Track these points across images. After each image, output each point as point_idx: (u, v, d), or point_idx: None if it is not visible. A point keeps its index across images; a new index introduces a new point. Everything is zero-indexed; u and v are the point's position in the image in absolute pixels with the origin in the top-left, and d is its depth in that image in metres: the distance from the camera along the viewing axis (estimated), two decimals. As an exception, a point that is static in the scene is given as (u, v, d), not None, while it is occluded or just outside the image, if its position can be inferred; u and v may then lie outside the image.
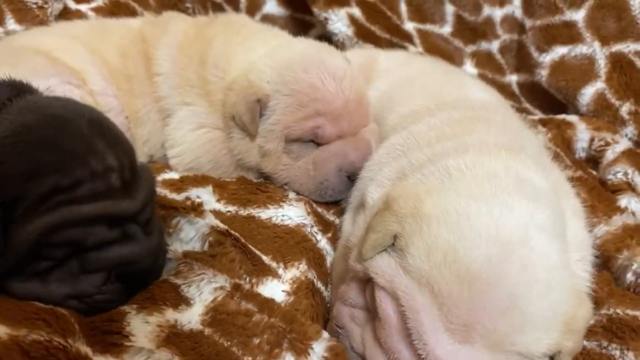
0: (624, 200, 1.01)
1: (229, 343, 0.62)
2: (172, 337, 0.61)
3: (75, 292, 0.60)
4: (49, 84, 0.86)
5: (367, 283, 0.65)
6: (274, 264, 0.78)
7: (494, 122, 0.82)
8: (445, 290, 0.57)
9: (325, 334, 0.66)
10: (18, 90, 0.65)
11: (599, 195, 0.95)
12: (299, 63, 0.89)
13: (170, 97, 0.97)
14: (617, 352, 0.65)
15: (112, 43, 0.98)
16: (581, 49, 1.37)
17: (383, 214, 0.63)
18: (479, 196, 0.62)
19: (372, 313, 0.63)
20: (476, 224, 0.59)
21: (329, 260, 0.84)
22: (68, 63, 0.92)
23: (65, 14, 1.19)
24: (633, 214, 0.99)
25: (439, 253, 0.58)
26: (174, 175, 0.90)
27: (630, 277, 0.74)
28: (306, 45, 0.95)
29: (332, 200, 0.92)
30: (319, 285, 0.79)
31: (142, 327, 0.61)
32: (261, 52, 0.93)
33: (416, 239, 0.59)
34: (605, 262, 0.78)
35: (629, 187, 1.05)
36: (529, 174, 0.68)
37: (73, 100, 0.67)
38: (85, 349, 0.56)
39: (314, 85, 0.87)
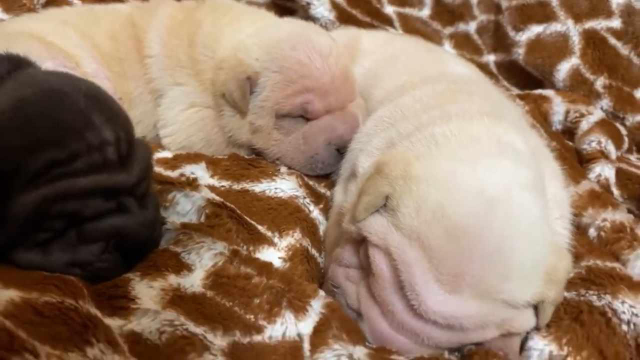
0: (597, 168, 1.06)
1: (230, 304, 0.65)
2: (176, 299, 0.64)
3: (75, 261, 0.62)
4: (44, 67, 0.88)
5: (360, 243, 0.69)
6: (269, 234, 0.81)
7: (476, 92, 0.86)
8: (434, 244, 0.61)
9: (322, 292, 0.70)
10: (17, 64, 0.66)
11: (570, 164, 1.00)
12: (287, 41, 0.92)
13: (161, 78, 0.99)
14: (595, 297, 0.69)
15: (103, 27, 1.00)
16: (556, 27, 1.41)
17: (374, 178, 0.67)
18: (464, 158, 0.67)
19: (366, 270, 0.67)
20: (462, 182, 0.63)
21: (321, 229, 0.87)
22: (61, 47, 0.93)
23: (52, 2, 1.20)
24: (607, 179, 1.05)
25: (428, 210, 0.62)
26: (167, 154, 0.93)
27: (592, 232, 0.79)
28: (293, 25, 0.99)
29: (322, 174, 0.96)
30: (313, 252, 0.82)
31: (146, 292, 0.64)
32: (249, 32, 0.95)
33: (406, 198, 0.63)
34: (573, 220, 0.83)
35: (603, 155, 1.10)
36: (510, 138, 0.72)
37: (70, 74, 0.68)
38: (95, 311, 0.58)
39: (301, 62, 0.90)
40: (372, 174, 0.69)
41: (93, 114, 0.62)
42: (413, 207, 0.62)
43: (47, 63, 0.86)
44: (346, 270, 0.71)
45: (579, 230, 0.82)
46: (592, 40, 1.39)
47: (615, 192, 1.04)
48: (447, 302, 0.60)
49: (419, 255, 0.61)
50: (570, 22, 1.41)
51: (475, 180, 0.63)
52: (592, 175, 1.07)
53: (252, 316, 0.64)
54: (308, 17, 1.44)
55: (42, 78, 0.65)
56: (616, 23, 1.40)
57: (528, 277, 0.62)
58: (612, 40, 1.38)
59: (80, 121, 0.60)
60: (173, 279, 0.66)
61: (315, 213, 0.88)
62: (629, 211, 0.99)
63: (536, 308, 0.66)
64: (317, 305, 0.67)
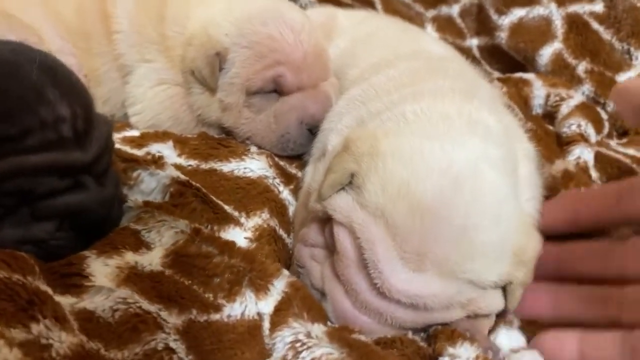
0: (577, 150, 1.05)
1: (189, 282, 0.63)
2: (132, 277, 0.62)
3: (28, 238, 0.60)
4: (4, 41, 0.85)
5: (326, 222, 0.67)
6: (236, 213, 0.79)
7: (450, 70, 0.85)
8: (398, 221, 0.59)
9: (285, 272, 0.68)
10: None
11: (545, 145, 0.99)
12: (257, 16, 0.89)
13: (130, 54, 0.96)
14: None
15: (69, 1, 0.97)
16: (538, 11, 1.39)
17: (341, 155, 0.66)
18: (433, 135, 0.65)
19: (331, 249, 0.65)
20: (428, 159, 0.62)
21: (291, 210, 0.86)
22: (24, 21, 0.90)
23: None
24: (585, 162, 1.03)
25: (393, 187, 0.60)
26: (134, 133, 0.90)
27: None
28: (265, 0, 0.96)
29: (293, 154, 0.94)
30: (281, 232, 0.80)
31: (102, 269, 0.62)
32: (220, 6, 0.93)
33: (372, 175, 0.62)
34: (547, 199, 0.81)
35: (582, 138, 1.08)
36: (481, 116, 0.70)
37: (25, 45, 0.65)
38: (45, 288, 0.57)
39: (272, 36, 0.88)
40: (339, 152, 0.67)
41: (47, 87, 0.59)
42: (379, 184, 0.61)
43: (8, 37, 0.83)
44: (311, 250, 0.69)
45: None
46: (575, 24, 1.37)
47: (594, 174, 1.03)
48: (411, 281, 0.59)
49: (383, 233, 0.60)
50: (553, 6, 1.39)
51: (443, 157, 0.62)
52: (571, 158, 1.05)
53: (211, 295, 0.63)
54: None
55: (-9, 48, 0.62)
56: (599, 7, 1.38)
57: (494, 256, 0.61)
58: (595, 25, 1.37)
59: (32, 95, 0.57)
60: (130, 257, 0.64)
61: (285, 194, 0.86)
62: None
63: (505, 290, 0.64)
64: (279, 285, 0.65)
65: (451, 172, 0.61)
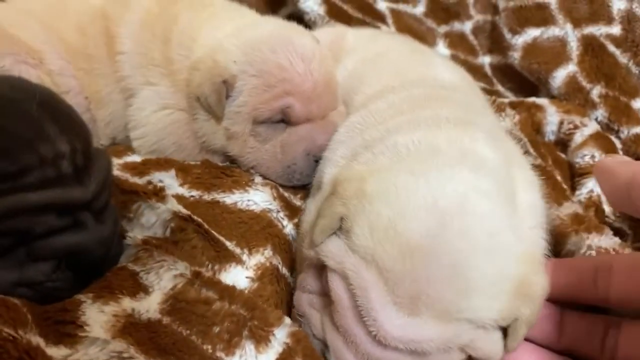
0: (590, 183, 1.02)
1: (187, 332, 0.61)
2: (129, 326, 0.59)
3: (24, 280, 0.58)
4: (4, 63, 0.83)
5: (322, 269, 0.64)
6: (238, 250, 0.76)
7: (452, 99, 0.82)
8: (389, 265, 0.56)
9: (287, 320, 0.65)
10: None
11: (553, 185, 0.95)
12: (267, 43, 0.86)
13: (133, 76, 0.93)
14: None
15: (71, 20, 0.94)
16: (553, 31, 1.36)
17: (330, 199, 0.64)
18: (420, 170, 0.62)
19: (329, 298, 0.63)
20: (414, 196, 0.59)
21: (295, 246, 0.83)
22: (25, 41, 0.88)
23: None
24: (598, 196, 1.00)
25: (381, 229, 0.58)
26: (136, 159, 0.88)
27: None
28: (274, 25, 0.93)
29: (299, 185, 0.91)
30: (284, 271, 0.78)
31: (97, 317, 0.59)
32: (228, 30, 0.90)
33: (360, 218, 0.60)
34: (555, 247, 0.78)
35: (596, 170, 1.05)
36: (476, 146, 0.67)
37: (23, 79, 0.63)
38: (37, 340, 0.54)
39: (281, 65, 0.85)
40: (328, 194, 0.65)
41: (47, 123, 0.57)
42: (367, 226, 0.59)
43: (7, 58, 0.81)
44: (310, 297, 0.67)
45: (561, 257, 0.78)
46: (591, 46, 1.33)
47: (607, 209, 1.00)
48: (406, 327, 0.56)
49: (375, 278, 0.57)
50: (569, 27, 1.36)
51: (429, 192, 0.59)
52: (583, 191, 1.02)
53: (209, 347, 0.60)
54: (297, 11, 1.39)
55: (-9, 82, 0.61)
56: (616, 30, 1.35)
57: (491, 292, 0.57)
58: (611, 48, 1.33)
59: (32, 132, 0.56)
60: (127, 303, 0.62)
61: (289, 228, 0.83)
62: (620, 230, 0.95)
63: (506, 332, 0.60)
64: (281, 335, 0.63)
65: (438, 208, 0.58)
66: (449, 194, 0.59)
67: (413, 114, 0.75)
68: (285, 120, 0.88)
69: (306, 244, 0.66)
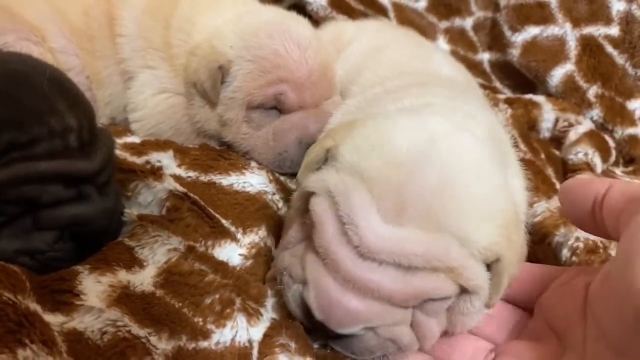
0: (581, 180, 1.03)
1: (180, 304, 0.63)
2: (124, 297, 0.61)
3: (26, 248, 0.60)
4: (6, 40, 0.85)
5: (305, 213, 0.62)
6: (232, 228, 0.78)
7: (449, 89, 0.83)
8: (374, 174, 0.55)
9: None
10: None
11: (543, 179, 0.96)
12: (264, 29, 0.87)
13: (133, 59, 0.95)
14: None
15: (75, 1, 0.96)
16: (553, 30, 1.37)
17: (319, 141, 0.65)
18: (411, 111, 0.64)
19: (311, 235, 0.60)
20: (403, 122, 0.60)
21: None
22: (28, 19, 0.89)
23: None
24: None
25: (367, 146, 0.58)
26: (135, 139, 0.90)
27: (565, 253, 0.76)
28: (273, 13, 0.94)
29: (291, 172, 0.91)
30: (277, 252, 0.80)
31: (93, 287, 0.61)
32: (227, 17, 0.91)
33: (347, 142, 0.60)
34: (544, 239, 0.80)
35: (588, 167, 1.07)
36: (468, 124, 0.66)
37: (33, 57, 0.66)
38: (35, 306, 0.56)
39: (277, 51, 0.86)
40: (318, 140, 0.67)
41: (57, 99, 0.60)
42: (352, 145, 0.59)
43: (10, 35, 0.82)
44: (292, 250, 0.65)
45: (550, 249, 0.79)
46: (589, 46, 1.35)
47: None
48: (390, 235, 0.53)
49: (359, 186, 0.55)
50: (568, 26, 1.37)
51: (419, 119, 0.60)
52: (574, 187, 1.04)
53: (200, 319, 0.62)
54: (300, 1, 1.40)
55: (4, 58, 0.63)
56: (614, 30, 1.36)
57: (478, 214, 0.55)
58: (609, 49, 1.35)
59: (43, 106, 0.58)
60: (123, 275, 0.64)
61: (284, 210, 0.85)
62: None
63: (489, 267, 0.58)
64: (270, 308, 0.65)
65: (427, 129, 0.57)
66: (439, 124, 0.59)
67: (409, 100, 0.75)
68: (278, 107, 0.89)
69: (294, 196, 0.67)
